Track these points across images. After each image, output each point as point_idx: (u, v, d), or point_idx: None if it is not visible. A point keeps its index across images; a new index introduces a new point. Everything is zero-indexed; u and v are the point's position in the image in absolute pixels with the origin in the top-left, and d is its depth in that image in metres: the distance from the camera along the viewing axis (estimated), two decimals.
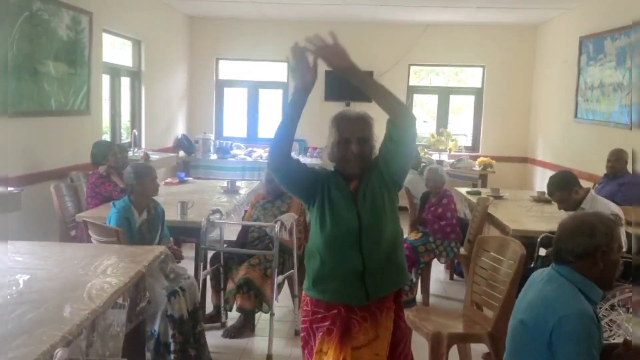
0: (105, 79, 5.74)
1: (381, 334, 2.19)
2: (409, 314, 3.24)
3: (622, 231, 3.01)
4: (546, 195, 5.11)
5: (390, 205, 2.22)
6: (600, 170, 4.91)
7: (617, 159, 4.65)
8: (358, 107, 8.81)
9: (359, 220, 2.16)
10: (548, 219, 4.22)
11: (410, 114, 2.12)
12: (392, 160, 2.15)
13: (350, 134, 2.16)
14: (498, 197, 5.11)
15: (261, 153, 7.83)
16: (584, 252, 1.87)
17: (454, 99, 8.58)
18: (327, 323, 2.19)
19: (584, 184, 3.78)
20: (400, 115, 2.07)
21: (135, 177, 3.39)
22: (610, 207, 3.47)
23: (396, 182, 2.22)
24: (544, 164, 7.33)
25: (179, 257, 3.54)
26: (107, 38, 5.63)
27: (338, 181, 2.22)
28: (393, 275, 2.25)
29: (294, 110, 2.12)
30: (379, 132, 2.21)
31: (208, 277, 3.98)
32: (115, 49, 6.13)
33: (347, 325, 2.17)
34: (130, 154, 5.55)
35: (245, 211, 4.50)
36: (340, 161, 2.21)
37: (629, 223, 3.26)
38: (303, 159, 7.62)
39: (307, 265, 2.29)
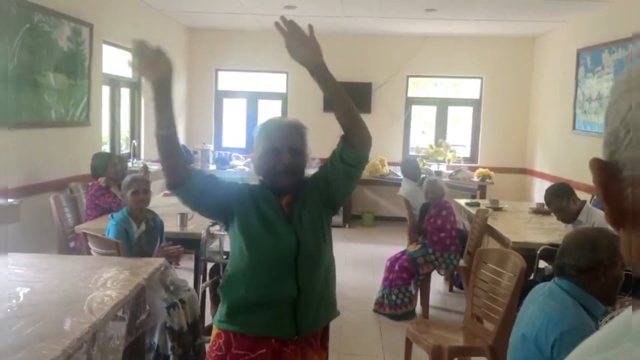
0: (105, 90, 5.76)
1: None
2: (409, 326, 3.24)
3: None
4: (545, 207, 5.14)
5: (328, 229, 2.00)
6: None
7: None
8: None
9: (297, 243, 1.90)
10: (548, 231, 4.22)
11: (370, 138, 1.91)
12: (338, 182, 1.95)
13: (281, 143, 1.92)
14: (497, 209, 5.12)
15: None
16: (586, 266, 1.87)
17: (452, 110, 8.62)
18: None
19: (583, 195, 3.81)
20: (360, 135, 1.88)
21: (122, 189, 3.44)
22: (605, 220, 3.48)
23: (336, 206, 2.03)
24: (543, 175, 7.35)
25: (175, 258, 3.49)
26: (106, 49, 5.65)
27: (267, 195, 1.96)
28: (324, 308, 2.01)
29: (160, 115, 1.88)
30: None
31: (207, 289, 3.97)
32: (114, 60, 6.14)
33: None
34: (129, 164, 5.54)
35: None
36: (269, 173, 1.95)
37: None
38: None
39: (225, 293, 1.98)
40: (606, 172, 0.56)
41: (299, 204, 1.96)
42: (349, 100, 1.90)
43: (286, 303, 1.90)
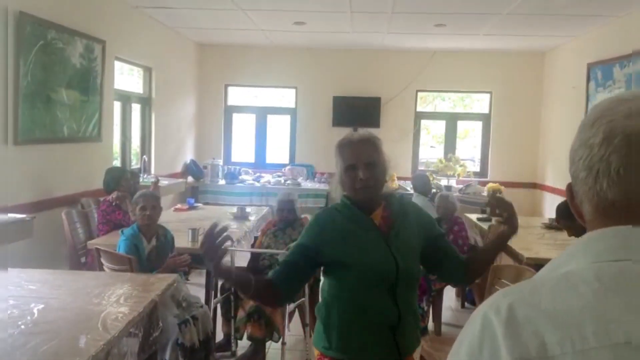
0: (116, 106, 5.79)
1: None
2: (423, 344, 3.20)
3: None
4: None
5: (419, 250, 2.00)
6: None
7: None
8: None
9: (395, 263, 1.88)
10: (561, 247, 4.18)
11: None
12: (424, 255, 2.01)
13: (356, 159, 1.92)
14: None
15: (269, 178, 7.84)
16: None
17: (461, 125, 8.61)
18: None
19: None
20: (466, 282, 2.24)
21: (131, 204, 3.45)
22: None
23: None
24: (554, 190, 7.30)
25: (182, 266, 3.43)
26: (117, 65, 5.70)
27: (355, 214, 1.95)
28: (416, 330, 2.00)
29: (234, 285, 2.04)
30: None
31: (218, 306, 3.95)
32: (123, 75, 6.20)
33: None
34: (140, 179, 5.56)
35: (256, 238, 4.48)
36: (351, 190, 1.96)
37: None
38: (311, 184, 7.66)
39: (324, 317, 1.98)
40: (570, 189, 0.83)
41: (398, 223, 1.95)
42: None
43: (387, 327, 1.89)
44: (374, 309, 1.89)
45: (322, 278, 2.07)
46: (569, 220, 3.59)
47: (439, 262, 2.02)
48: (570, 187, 0.82)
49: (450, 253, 2.02)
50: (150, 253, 3.41)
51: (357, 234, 1.92)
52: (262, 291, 1.94)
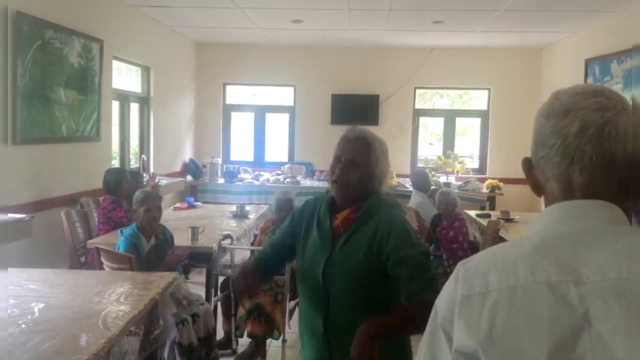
0: (115, 105, 5.79)
1: None
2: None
3: None
4: None
5: (368, 264, 1.72)
6: None
7: None
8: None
9: (323, 271, 1.76)
10: None
11: None
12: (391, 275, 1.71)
13: (343, 153, 1.83)
14: (508, 220, 5.09)
15: (268, 177, 7.84)
16: None
17: (460, 122, 8.61)
18: None
19: None
20: None
21: (134, 205, 3.43)
22: None
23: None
24: None
25: (181, 260, 3.42)
26: (115, 64, 5.69)
27: (322, 209, 1.86)
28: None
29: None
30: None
31: (219, 304, 3.95)
32: (121, 75, 6.19)
33: None
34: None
35: (255, 236, 4.48)
36: (329, 182, 1.91)
37: None
38: (310, 182, 7.66)
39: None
40: (526, 163, 0.95)
41: (353, 227, 1.78)
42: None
43: (319, 335, 1.79)
44: (306, 313, 1.87)
45: None
46: None
47: (392, 269, 1.69)
48: (527, 162, 0.95)
49: (401, 287, 1.66)
50: (150, 252, 3.41)
51: (313, 232, 1.85)
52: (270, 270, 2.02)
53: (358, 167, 1.79)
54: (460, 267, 0.88)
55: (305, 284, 1.84)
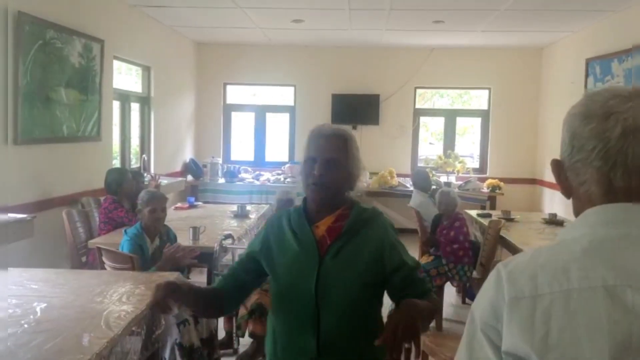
0: (115, 105, 5.79)
1: None
2: (424, 339, 3.21)
3: None
4: (557, 217, 5.11)
5: (366, 276, 1.63)
6: None
7: None
8: (367, 131, 8.68)
9: (315, 288, 1.59)
10: None
11: None
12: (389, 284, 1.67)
13: (318, 152, 1.67)
14: (509, 220, 5.09)
15: (269, 177, 7.84)
16: None
17: (460, 121, 8.61)
18: None
19: None
20: None
21: (140, 205, 3.42)
22: None
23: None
24: (553, 186, 7.30)
25: (177, 254, 3.26)
26: (116, 64, 5.70)
27: (298, 220, 1.70)
28: None
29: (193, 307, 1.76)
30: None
31: None
32: (122, 74, 6.20)
33: None
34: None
35: (256, 236, 4.48)
36: (304, 187, 1.70)
37: None
38: None
39: (269, 328, 1.77)
40: (557, 165, 0.95)
41: (344, 236, 1.65)
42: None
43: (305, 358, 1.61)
44: (289, 333, 1.65)
45: None
46: None
47: (402, 293, 1.63)
48: (558, 164, 0.95)
49: (412, 290, 1.63)
50: (154, 252, 3.41)
51: (291, 246, 1.67)
52: (208, 304, 1.75)
53: (338, 166, 1.66)
54: (502, 269, 0.86)
55: (290, 300, 1.65)
